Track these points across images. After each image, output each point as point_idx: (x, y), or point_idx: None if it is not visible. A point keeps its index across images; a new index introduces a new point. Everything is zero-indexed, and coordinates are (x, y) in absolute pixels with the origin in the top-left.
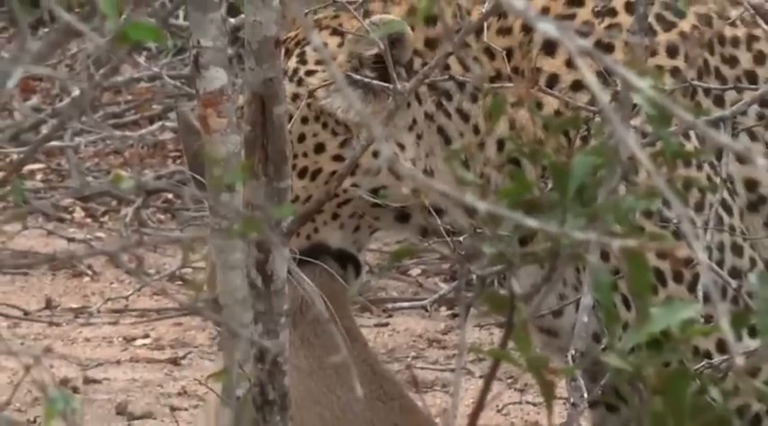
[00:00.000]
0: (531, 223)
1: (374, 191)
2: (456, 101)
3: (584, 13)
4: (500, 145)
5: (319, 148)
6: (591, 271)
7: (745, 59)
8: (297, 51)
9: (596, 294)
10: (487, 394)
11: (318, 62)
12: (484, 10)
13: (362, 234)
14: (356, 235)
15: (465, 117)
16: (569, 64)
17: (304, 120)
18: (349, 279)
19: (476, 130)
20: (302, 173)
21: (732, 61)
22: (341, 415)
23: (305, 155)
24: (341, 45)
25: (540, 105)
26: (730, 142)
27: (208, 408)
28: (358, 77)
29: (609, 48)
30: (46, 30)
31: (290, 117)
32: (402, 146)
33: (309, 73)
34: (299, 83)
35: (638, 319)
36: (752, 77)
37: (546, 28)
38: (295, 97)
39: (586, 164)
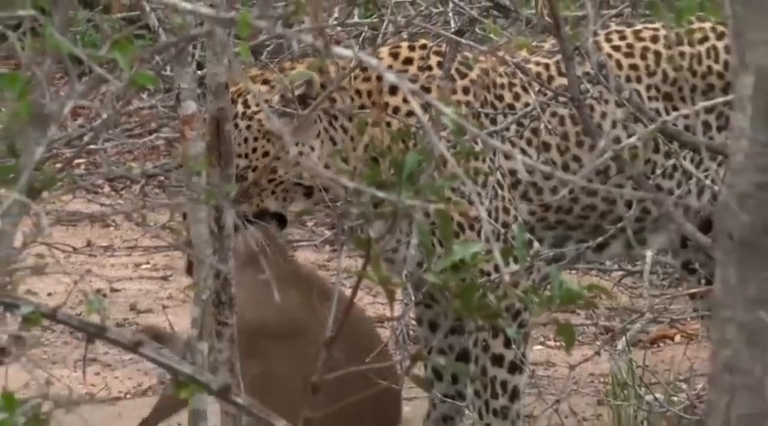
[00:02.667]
0: (381, 195)
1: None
2: (340, 121)
3: (412, 69)
4: (365, 148)
5: (266, 154)
6: (417, 224)
7: (508, 97)
8: (240, 100)
9: (420, 237)
10: (354, 298)
11: (257, 105)
12: (352, 65)
13: (287, 202)
14: (284, 203)
15: (345, 131)
16: (405, 100)
17: (255, 139)
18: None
19: (351, 139)
20: (254, 169)
21: (501, 98)
22: (281, 314)
23: (257, 159)
24: (268, 90)
25: (388, 124)
26: (500, 146)
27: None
28: (281, 109)
29: (428, 90)
30: (86, 77)
31: (243, 136)
32: (312, 148)
33: (255, 112)
34: (247, 118)
35: (445, 252)
36: (512, 107)
37: (390, 77)
38: (248, 127)
39: (414, 160)
